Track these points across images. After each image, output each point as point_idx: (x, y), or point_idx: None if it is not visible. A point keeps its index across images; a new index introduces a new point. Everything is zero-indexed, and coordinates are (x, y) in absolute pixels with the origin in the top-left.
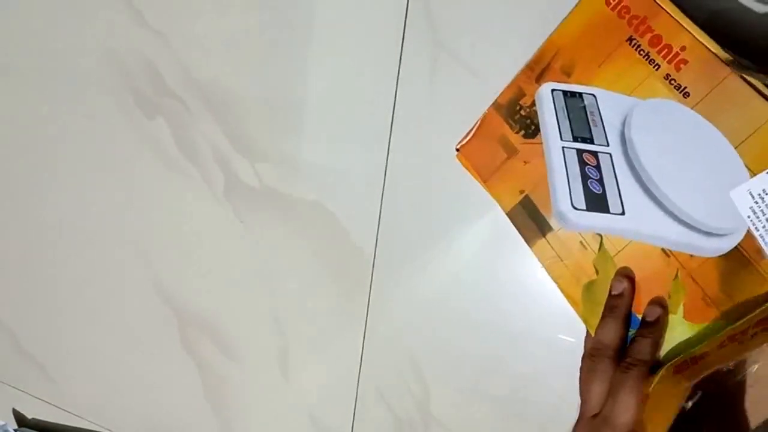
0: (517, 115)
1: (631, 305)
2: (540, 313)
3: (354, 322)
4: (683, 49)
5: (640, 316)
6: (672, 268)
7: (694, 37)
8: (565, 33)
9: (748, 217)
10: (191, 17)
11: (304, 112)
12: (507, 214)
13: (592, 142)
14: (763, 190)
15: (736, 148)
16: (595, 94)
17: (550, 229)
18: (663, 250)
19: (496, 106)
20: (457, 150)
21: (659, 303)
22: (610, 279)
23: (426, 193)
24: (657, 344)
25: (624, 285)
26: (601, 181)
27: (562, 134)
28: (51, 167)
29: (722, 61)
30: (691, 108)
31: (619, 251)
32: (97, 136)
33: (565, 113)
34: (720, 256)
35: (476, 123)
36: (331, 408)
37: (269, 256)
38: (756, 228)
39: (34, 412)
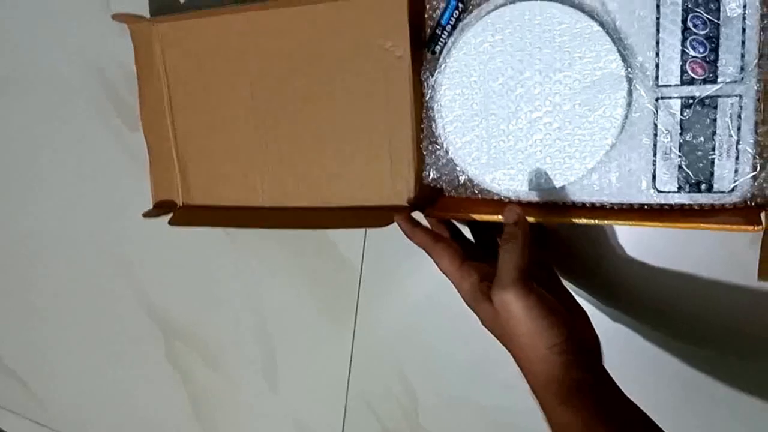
0: None
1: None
2: None
3: (342, 333)
4: None
5: None
6: None
7: None
8: None
9: None
10: None
11: None
12: None
13: None
14: None
15: None
16: None
17: None
18: None
19: None
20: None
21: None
22: None
23: None
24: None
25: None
26: None
27: None
28: (32, 177)
29: None
30: None
31: None
32: (79, 147)
33: None
34: None
35: None
36: (320, 420)
37: (256, 268)
38: None
39: (16, 429)
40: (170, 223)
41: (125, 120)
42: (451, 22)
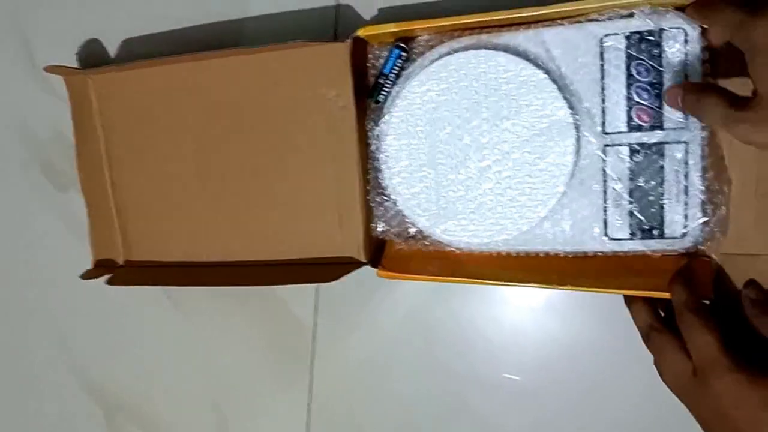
0: None
1: None
2: (481, 356)
3: (297, 393)
4: None
5: None
6: None
7: None
8: None
9: None
10: None
11: None
12: None
13: None
14: None
15: None
16: None
17: None
18: None
19: None
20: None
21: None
22: None
23: None
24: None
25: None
26: None
27: None
28: None
29: None
30: None
31: None
32: (4, 211)
33: None
34: None
35: None
36: None
37: (202, 333)
38: None
39: None
40: (109, 282)
41: (53, 180)
42: (394, 71)
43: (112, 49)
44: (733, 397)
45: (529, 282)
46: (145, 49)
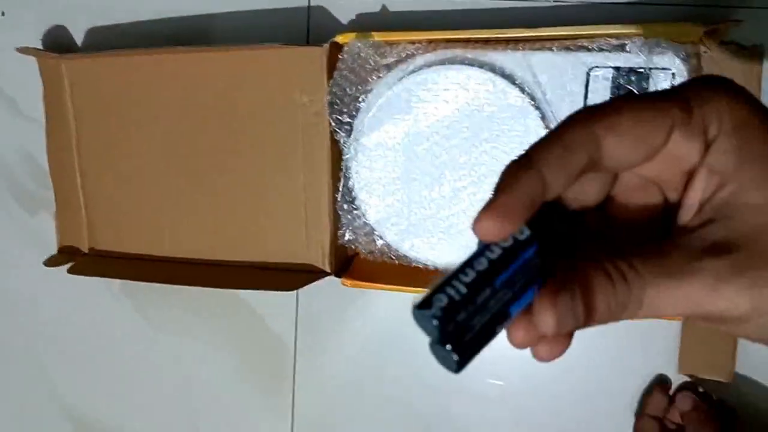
0: None
1: None
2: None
3: (279, 410)
4: None
5: None
6: None
7: None
8: None
9: None
10: None
11: None
12: None
13: None
14: None
15: None
16: None
17: None
18: None
19: None
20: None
21: None
22: None
23: None
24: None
25: None
26: None
27: None
28: None
29: None
30: None
31: None
32: None
33: None
34: None
35: None
36: None
37: (179, 353)
38: None
39: None
40: (70, 271)
41: (22, 204)
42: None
43: (78, 38)
44: None
45: None
46: (112, 41)
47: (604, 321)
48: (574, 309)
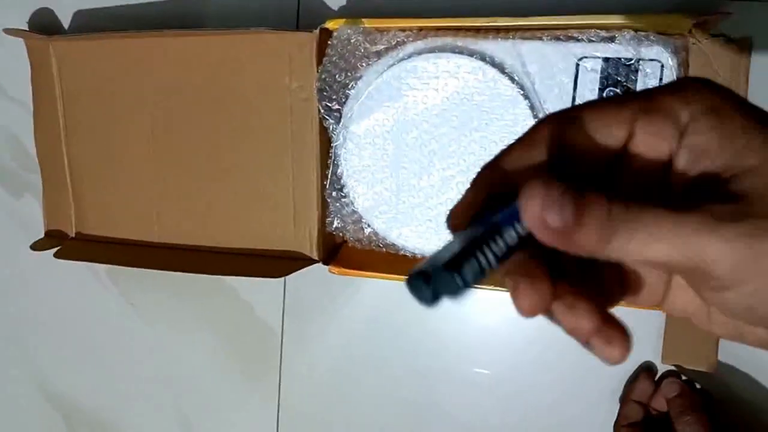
0: None
1: None
2: (451, 352)
3: (265, 397)
4: None
5: None
6: None
7: None
8: None
9: None
10: None
11: None
12: None
13: None
14: None
15: None
16: None
17: None
18: None
19: None
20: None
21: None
22: None
23: None
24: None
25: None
26: None
27: None
28: None
29: None
30: None
31: None
32: None
33: None
34: None
35: None
36: None
37: (166, 341)
38: None
39: None
40: (56, 255)
41: (8, 187)
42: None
43: (65, 21)
44: None
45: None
46: (100, 24)
47: (590, 244)
48: (561, 204)
